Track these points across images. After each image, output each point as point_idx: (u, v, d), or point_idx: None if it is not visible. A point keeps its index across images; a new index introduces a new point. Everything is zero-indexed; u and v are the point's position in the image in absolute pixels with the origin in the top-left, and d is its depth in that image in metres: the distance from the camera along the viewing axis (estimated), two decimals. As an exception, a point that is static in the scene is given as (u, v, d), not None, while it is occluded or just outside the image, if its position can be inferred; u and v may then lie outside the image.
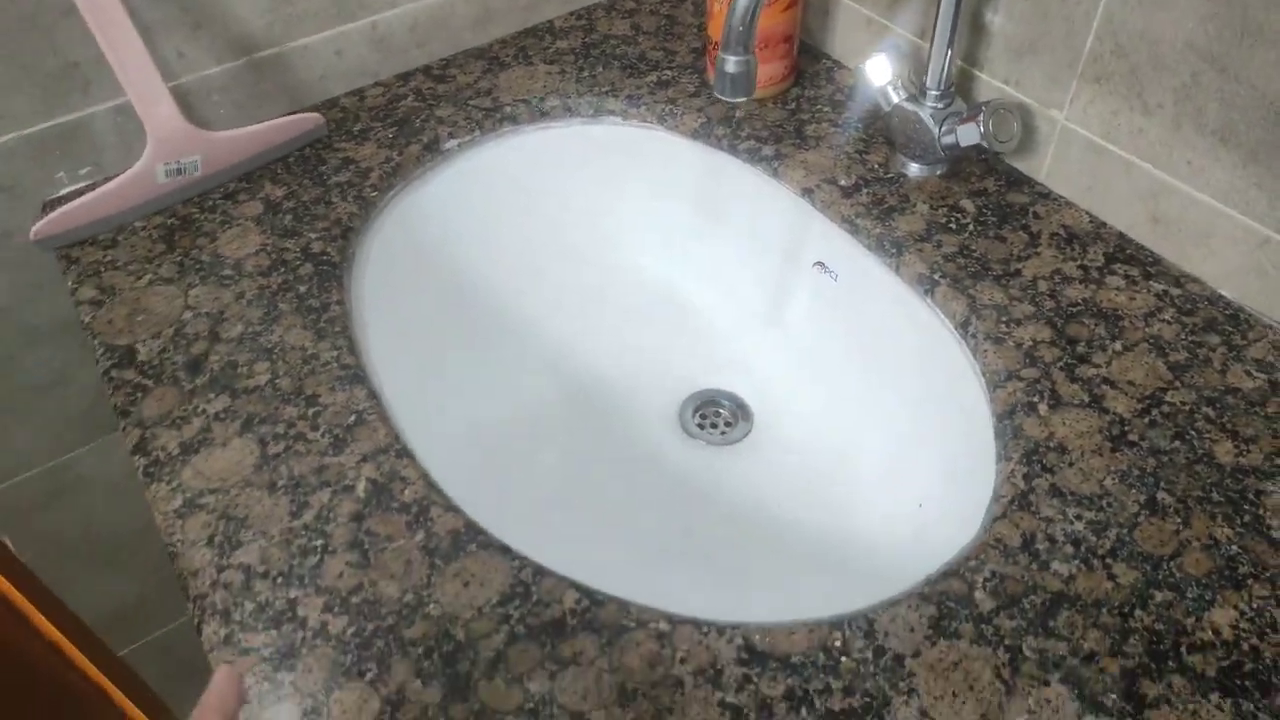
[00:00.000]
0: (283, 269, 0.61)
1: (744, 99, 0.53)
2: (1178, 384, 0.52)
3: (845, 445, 0.66)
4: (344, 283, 0.61)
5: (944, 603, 0.43)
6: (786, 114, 0.72)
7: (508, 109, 0.74)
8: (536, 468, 0.66)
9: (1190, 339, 0.54)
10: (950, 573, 0.45)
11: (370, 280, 0.64)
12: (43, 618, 0.85)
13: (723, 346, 0.75)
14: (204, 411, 0.52)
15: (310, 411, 0.52)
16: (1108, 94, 0.57)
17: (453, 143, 0.72)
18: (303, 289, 0.60)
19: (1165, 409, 0.51)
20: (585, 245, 0.78)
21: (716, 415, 0.71)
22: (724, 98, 0.52)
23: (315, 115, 0.71)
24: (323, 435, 0.51)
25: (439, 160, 0.72)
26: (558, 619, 0.43)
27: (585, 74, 0.77)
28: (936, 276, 0.59)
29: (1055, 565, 0.44)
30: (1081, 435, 0.50)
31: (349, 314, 0.59)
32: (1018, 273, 0.58)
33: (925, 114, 0.62)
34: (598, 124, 0.76)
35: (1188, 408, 0.51)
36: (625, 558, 0.59)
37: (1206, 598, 0.43)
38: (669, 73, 0.77)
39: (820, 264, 0.69)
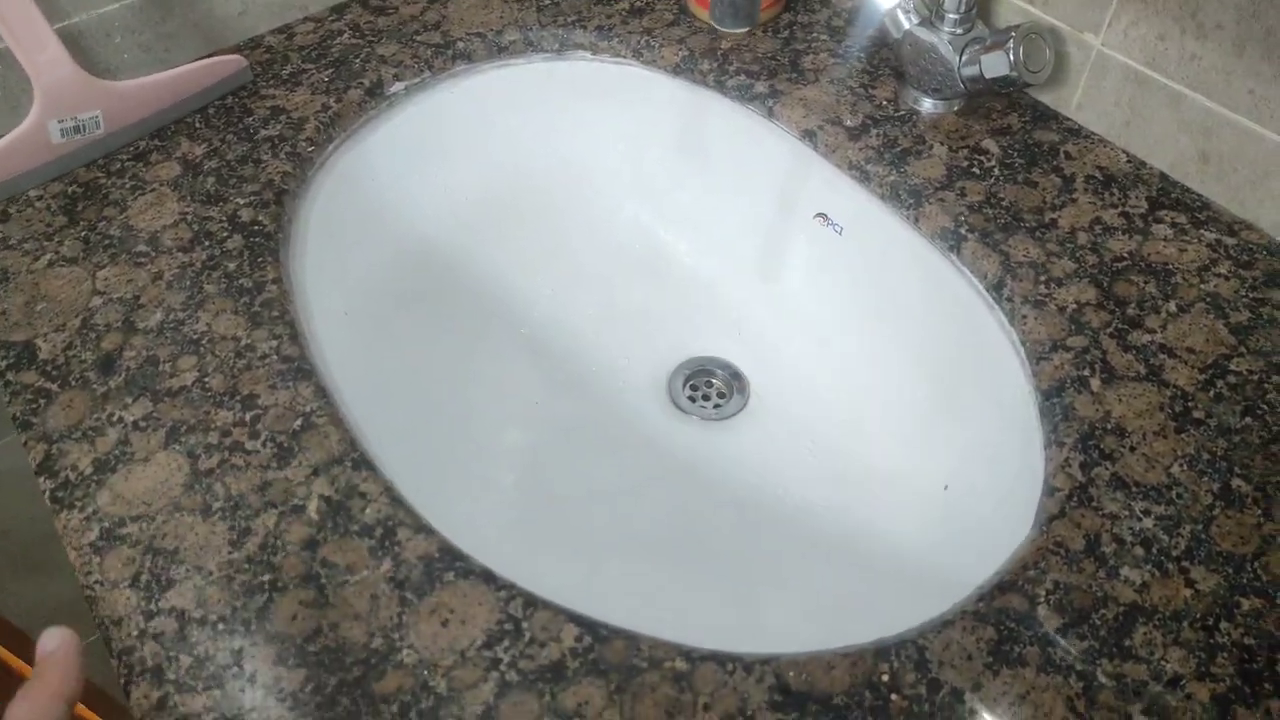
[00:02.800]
0: (207, 243, 0.52)
1: (746, 29, 0.44)
2: (1242, 349, 0.46)
3: (854, 420, 0.59)
4: (280, 257, 0.52)
5: (1003, 623, 0.37)
6: (779, 44, 0.64)
7: (460, 45, 0.64)
8: (512, 460, 0.59)
9: (1251, 296, 0.48)
10: (1006, 584, 0.39)
11: (312, 252, 0.56)
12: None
13: (713, 309, 0.68)
14: (120, 420, 0.44)
15: (248, 416, 0.44)
16: (1154, 14, 0.50)
17: (399, 86, 0.63)
18: (232, 266, 0.51)
19: (1231, 379, 0.45)
20: (556, 199, 0.70)
21: (709, 387, 0.64)
22: (724, 29, 0.44)
23: (236, 57, 0.61)
24: (264, 444, 0.43)
25: (384, 106, 0.63)
26: (556, 661, 0.36)
27: (548, 1, 0.68)
28: (963, 230, 0.52)
29: (1125, 571, 0.39)
30: (1141, 414, 0.44)
31: (288, 294, 0.51)
32: (1053, 223, 0.52)
33: (942, 41, 0.55)
34: (564, 60, 0.67)
35: (1256, 377, 0.45)
36: (619, 565, 0.52)
37: (1297, 602, 0.38)
38: (643, -1, 0.68)
39: (823, 215, 0.62)
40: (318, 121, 0.59)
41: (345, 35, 0.65)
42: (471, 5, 0.67)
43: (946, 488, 0.53)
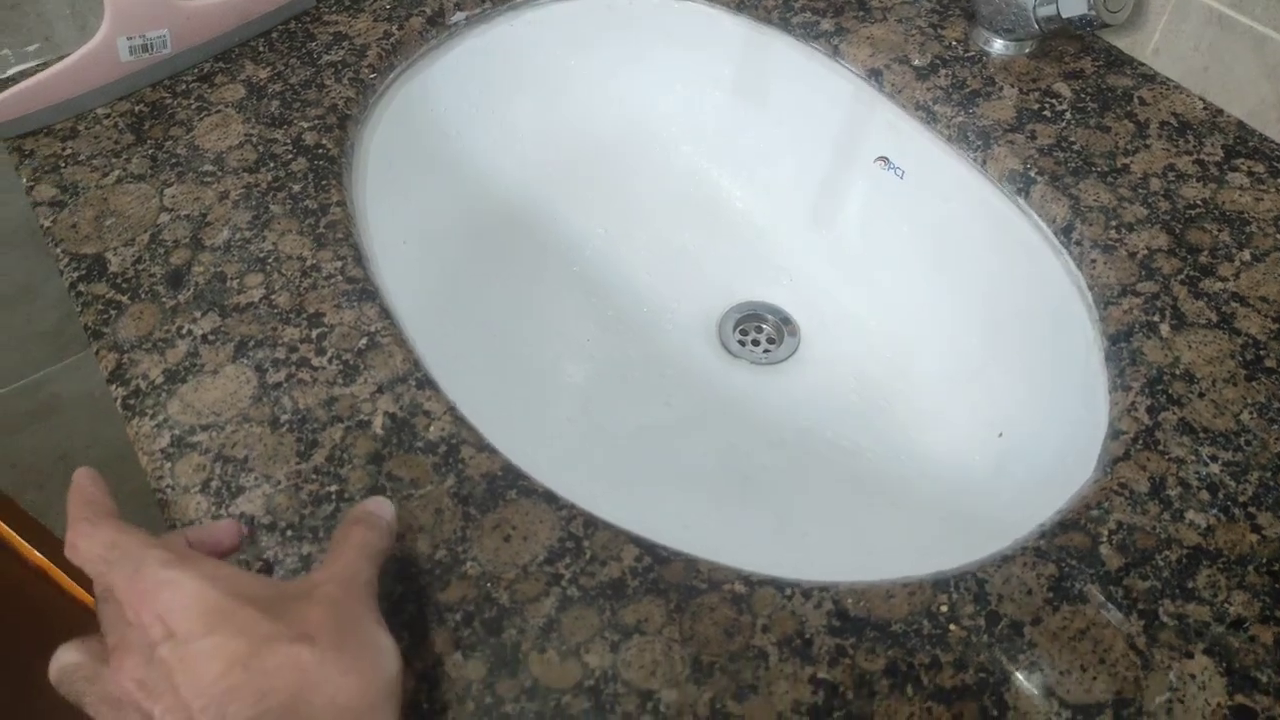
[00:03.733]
0: (272, 164, 0.52)
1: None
2: (1318, 300, 0.45)
3: (907, 366, 0.59)
4: (343, 181, 0.53)
5: (1065, 560, 0.37)
6: (846, -18, 0.62)
7: (523, -24, 0.64)
8: (565, 393, 0.59)
9: (1329, 247, 0.47)
10: (1069, 523, 0.38)
11: (373, 179, 0.56)
12: (26, 544, 0.79)
13: (766, 254, 0.68)
14: (190, 333, 0.45)
15: (314, 333, 0.45)
16: (1245, -46, 0.48)
17: (460, 16, 0.62)
18: (296, 188, 0.51)
19: (1305, 329, 0.44)
20: (612, 136, 0.69)
21: (759, 332, 0.64)
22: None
23: (301, -19, 0.61)
24: (330, 361, 0.44)
25: (445, 37, 0.62)
26: (617, 579, 0.37)
27: (611, -65, 0.67)
28: (1032, 173, 0.51)
29: (1190, 515, 0.38)
30: (1211, 361, 0.43)
31: (351, 218, 0.51)
32: (1125, 169, 0.51)
33: (1019, -21, 0.53)
34: (625, -6, 0.66)
35: (1331, 328, 0.44)
36: (671, 497, 0.52)
37: (1366, 552, 0.37)
38: (708, -67, 0.66)
39: (884, 159, 0.61)
40: (379, 49, 0.59)
41: (407, -37, 0.65)
42: (534, -64, 0.67)
43: (1001, 435, 0.53)
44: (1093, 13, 0.50)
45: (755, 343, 0.64)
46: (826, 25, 0.60)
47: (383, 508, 0.36)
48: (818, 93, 0.62)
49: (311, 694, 0.26)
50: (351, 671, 0.27)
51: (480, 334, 0.58)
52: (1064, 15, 0.52)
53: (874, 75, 0.58)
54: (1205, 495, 0.39)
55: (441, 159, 0.63)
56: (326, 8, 0.62)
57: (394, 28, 0.60)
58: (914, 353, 0.59)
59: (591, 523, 0.39)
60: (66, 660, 0.29)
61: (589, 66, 0.68)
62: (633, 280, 0.66)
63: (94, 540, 0.29)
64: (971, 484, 0.52)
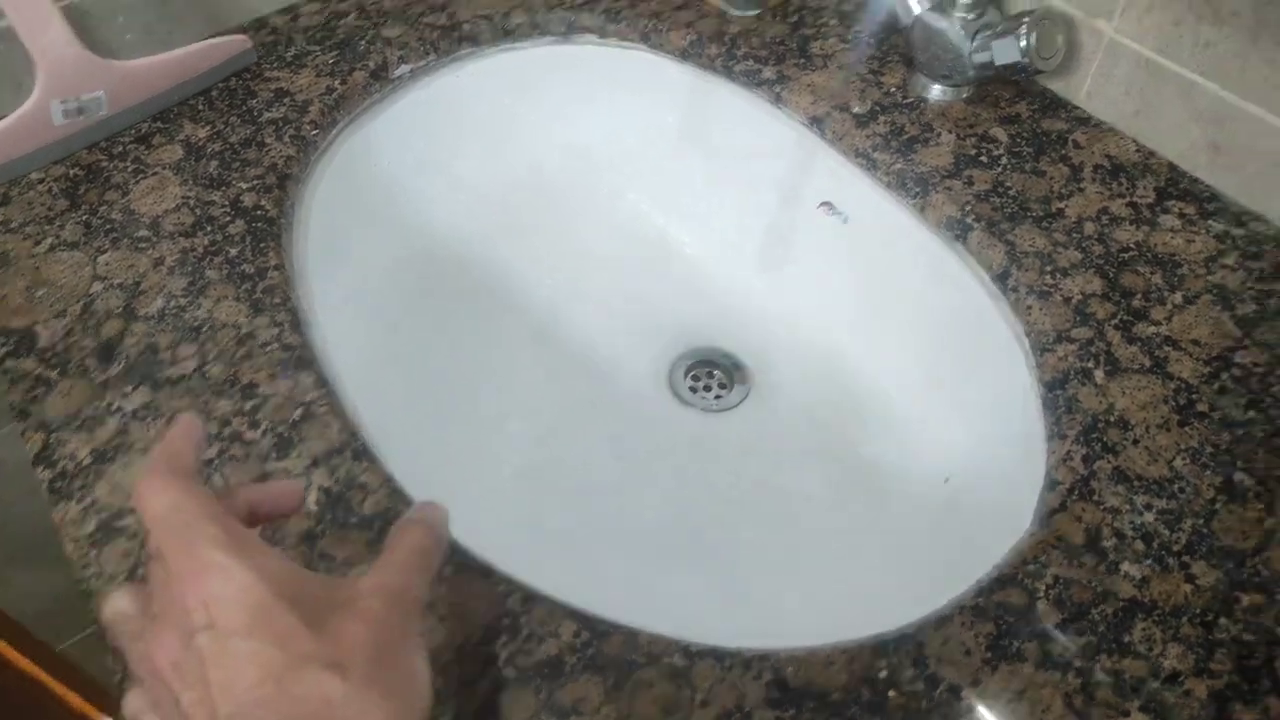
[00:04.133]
0: (209, 228, 0.52)
1: (757, 11, 0.44)
2: (1247, 342, 0.46)
3: (856, 413, 0.59)
4: (282, 242, 0.52)
5: (1002, 617, 0.37)
6: (788, 28, 0.63)
7: (466, 27, 0.64)
8: (513, 451, 0.58)
9: (1258, 288, 0.48)
10: (1006, 578, 0.38)
11: (314, 237, 0.56)
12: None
13: (716, 299, 0.68)
14: (120, 409, 0.44)
15: (248, 405, 0.44)
16: (1169, 0, 0.49)
17: (404, 68, 0.62)
18: (234, 252, 0.51)
19: (1236, 372, 0.44)
20: (560, 186, 0.69)
21: (710, 378, 0.64)
22: (735, 10, 0.43)
23: (241, 38, 0.60)
24: (264, 435, 0.43)
25: (389, 90, 0.62)
26: (554, 657, 0.36)
27: (553, -16, 0.67)
28: (969, 220, 0.51)
29: (1125, 567, 0.39)
30: (1145, 406, 0.43)
31: (290, 280, 0.50)
32: (1060, 213, 0.51)
33: (954, 27, 0.54)
34: (571, 43, 0.66)
35: (1261, 370, 0.44)
36: (619, 556, 0.52)
37: (1299, 600, 0.38)
38: (648, -19, 0.67)
39: (828, 204, 0.61)
40: (322, 104, 0.59)
41: (350, 16, 0.65)
42: (476, -13, 0.67)
43: (947, 480, 0.53)
44: (1026, 60, 0.51)
45: (707, 389, 0.64)
46: (768, 73, 0.60)
47: (440, 513, 0.34)
48: (762, 139, 0.63)
49: None
50: (378, 709, 0.26)
51: (426, 392, 0.58)
52: (998, 62, 0.52)
53: (815, 122, 0.58)
54: (1140, 545, 0.39)
55: (385, 214, 0.63)
56: (268, 63, 0.62)
57: (336, 82, 0.60)
58: (863, 397, 0.60)
59: (530, 597, 0.38)
60: (119, 607, 0.29)
61: (535, 115, 0.68)
62: (583, 329, 0.65)
63: (159, 499, 0.28)
64: (919, 533, 0.52)
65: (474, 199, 0.67)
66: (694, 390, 0.63)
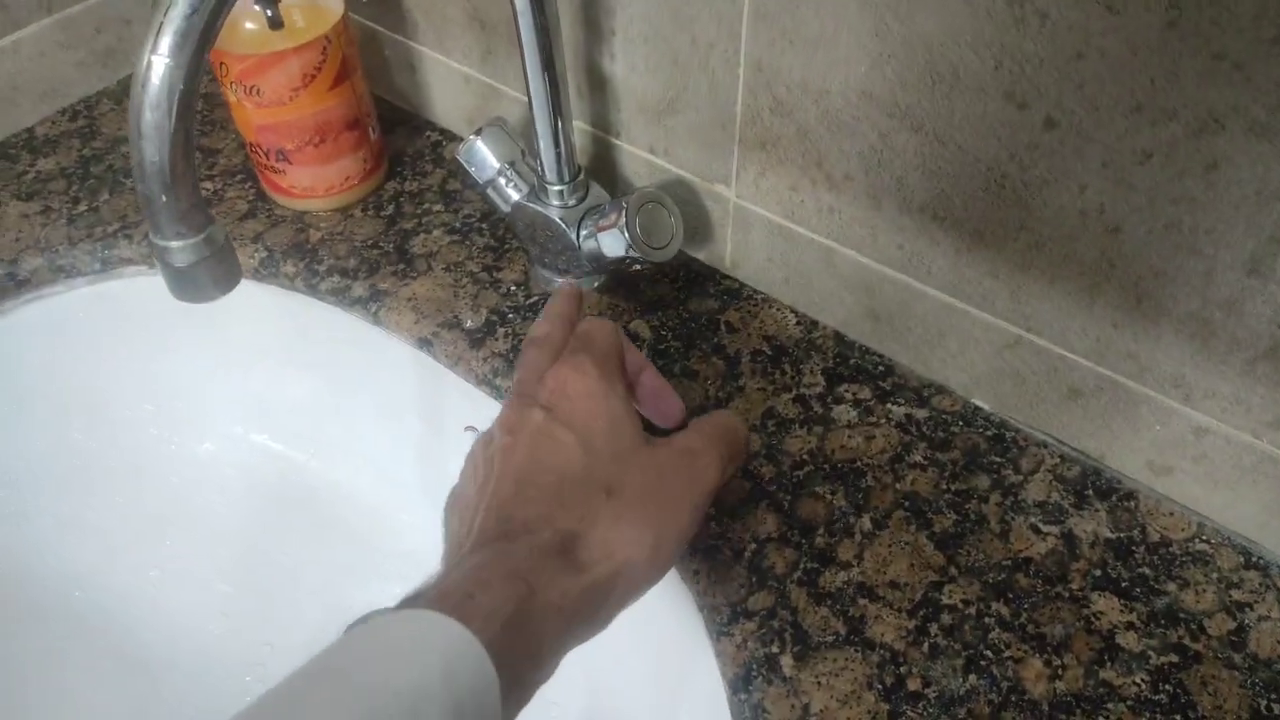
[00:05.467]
0: None
1: (219, 296, 0.32)
2: (953, 569, 0.37)
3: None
4: None
5: None
6: (383, 224, 0.51)
7: (-46, 290, 0.48)
8: None
9: (953, 489, 0.39)
10: None
11: None
12: None
13: (382, 546, 0.55)
14: None
15: None
16: (779, 162, 0.41)
17: None
18: None
19: (946, 620, 0.36)
20: (153, 452, 0.54)
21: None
22: (183, 299, 0.31)
23: None
24: None
25: None
26: None
27: (84, 207, 0.52)
28: (612, 460, 0.41)
29: None
30: (847, 700, 0.34)
31: None
32: (719, 429, 0.42)
33: (554, 214, 0.44)
34: (115, 279, 0.52)
35: (974, 609, 0.36)
36: None
37: None
38: (209, 185, 0.54)
39: (472, 428, 0.49)
40: None
41: None
42: (-26, 228, 0.51)
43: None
44: (633, 252, 0.42)
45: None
46: (360, 289, 0.48)
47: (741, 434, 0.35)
48: (381, 362, 0.51)
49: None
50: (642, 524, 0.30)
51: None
52: (608, 255, 0.43)
53: (424, 344, 0.47)
54: None
55: None
56: None
57: None
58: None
59: None
60: (538, 332, 0.36)
61: (98, 373, 0.53)
62: (200, 636, 0.50)
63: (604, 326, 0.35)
64: None
65: (33, 488, 0.51)
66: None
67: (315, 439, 0.56)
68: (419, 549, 0.53)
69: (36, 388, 0.52)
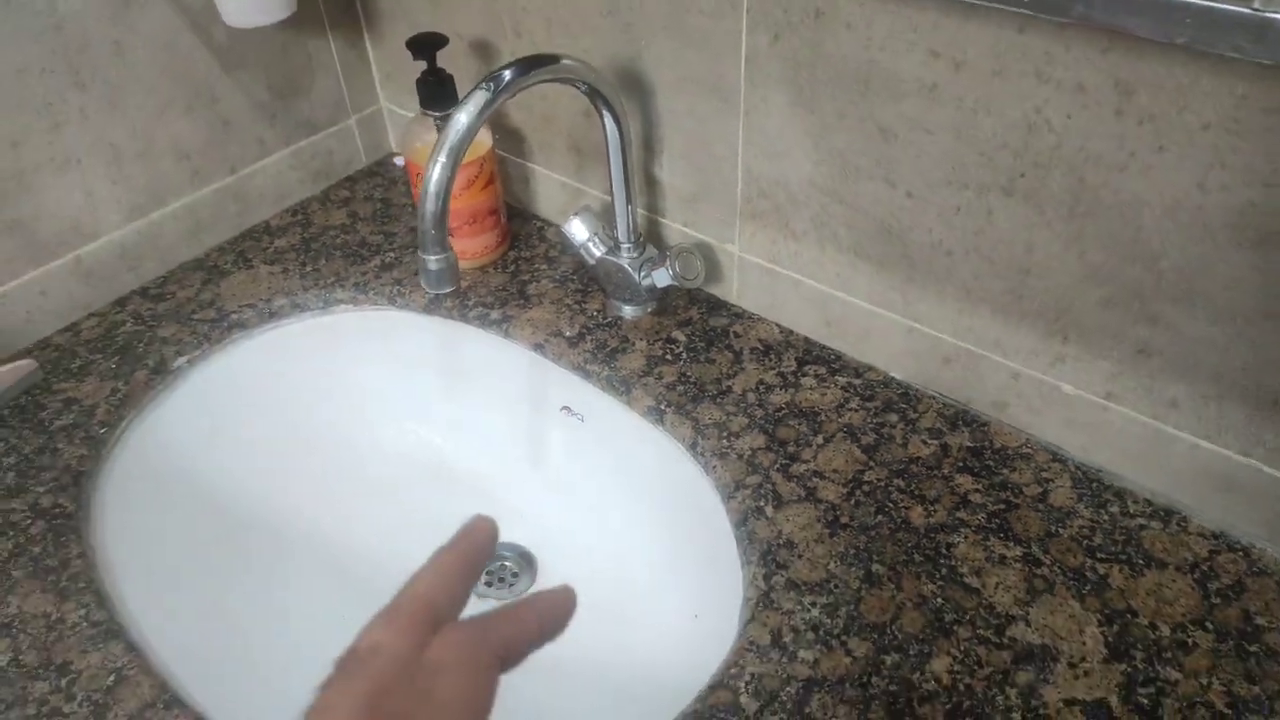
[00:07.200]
0: (12, 533, 0.58)
1: (450, 289, 0.57)
2: (871, 464, 0.61)
3: (620, 574, 0.70)
4: (83, 532, 0.59)
5: (715, 715, 0.48)
6: (508, 277, 0.78)
7: (234, 316, 0.75)
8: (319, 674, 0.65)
9: (875, 421, 0.64)
10: (716, 684, 0.49)
11: (112, 522, 0.63)
12: None
13: (494, 501, 0.78)
14: (-62, 713, 0.49)
15: (63, 682, 0.50)
16: (764, 227, 0.67)
17: (181, 360, 0.72)
18: (37, 550, 0.57)
19: (865, 488, 0.59)
20: (340, 431, 0.79)
21: (503, 569, 0.74)
22: (431, 290, 0.57)
23: (27, 361, 0.68)
24: (81, 705, 0.49)
25: (169, 380, 0.71)
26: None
27: (309, 269, 0.79)
28: (663, 406, 0.65)
29: (802, 653, 0.50)
30: (804, 528, 0.57)
31: (93, 565, 0.57)
32: (729, 390, 0.66)
33: (625, 263, 0.70)
34: (329, 314, 0.78)
35: (883, 483, 0.59)
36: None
37: (925, 651, 0.50)
38: (391, 254, 0.81)
39: (567, 408, 0.74)
40: (108, 404, 0.67)
41: (128, 324, 0.74)
42: (242, 281, 0.78)
43: (697, 616, 0.64)
44: (675, 282, 0.67)
45: (501, 579, 0.73)
46: (495, 315, 0.74)
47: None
48: (504, 364, 0.76)
49: None
50: None
51: (232, 640, 0.64)
52: (659, 286, 0.68)
53: (539, 348, 0.72)
54: (810, 635, 0.51)
55: (177, 487, 0.70)
56: (55, 377, 0.70)
57: (120, 383, 0.69)
58: (624, 560, 0.71)
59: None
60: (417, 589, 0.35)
61: (309, 375, 0.79)
62: (376, 555, 0.74)
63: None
64: (680, 667, 0.62)
65: (262, 460, 0.76)
66: (489, 584, 0.72)
67: (450, 424, 0.81)
68: (523, 504, 0.77)
69: (277, 386, 0.78)
